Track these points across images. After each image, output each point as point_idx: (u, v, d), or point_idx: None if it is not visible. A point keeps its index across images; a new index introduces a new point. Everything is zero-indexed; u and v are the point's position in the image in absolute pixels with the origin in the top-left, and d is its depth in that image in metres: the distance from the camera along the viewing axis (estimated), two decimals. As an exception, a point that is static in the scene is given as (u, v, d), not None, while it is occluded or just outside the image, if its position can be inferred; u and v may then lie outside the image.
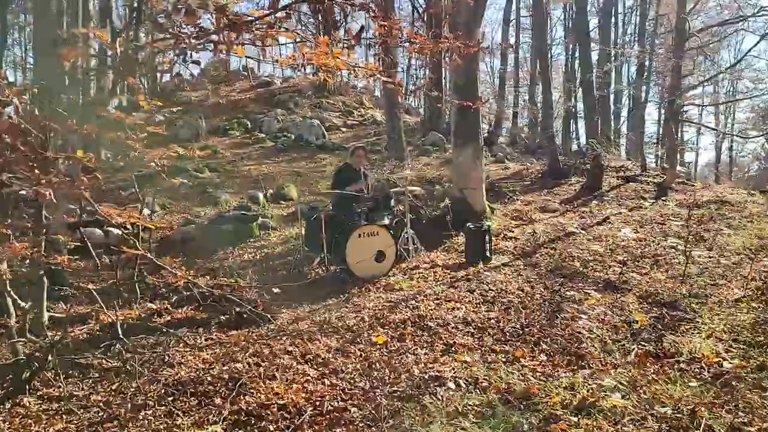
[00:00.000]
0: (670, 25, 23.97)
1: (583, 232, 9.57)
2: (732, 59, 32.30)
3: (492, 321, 5.93)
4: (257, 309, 6.20)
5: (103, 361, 5.22)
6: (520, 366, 4.97)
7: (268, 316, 6.20)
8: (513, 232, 10.03)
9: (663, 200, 12.38)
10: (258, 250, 9.84)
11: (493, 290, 6.92)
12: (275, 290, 6.92)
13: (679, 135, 24.97)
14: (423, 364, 4.97)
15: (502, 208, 11.68)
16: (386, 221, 8.20)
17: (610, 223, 10.53)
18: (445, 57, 5.32)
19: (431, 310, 6.23)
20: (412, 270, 7.97)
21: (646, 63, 27.26)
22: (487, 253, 8.36)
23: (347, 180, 8.40)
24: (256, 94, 27.62)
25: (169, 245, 10.05)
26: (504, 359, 5.11)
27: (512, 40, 28.29)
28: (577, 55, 26.04)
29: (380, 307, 6.38)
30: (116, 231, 9.75)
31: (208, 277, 7.91)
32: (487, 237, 8.37)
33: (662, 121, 24.05)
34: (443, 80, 24.82)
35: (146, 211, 10.99)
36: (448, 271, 7.81)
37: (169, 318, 6.58)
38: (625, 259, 8.07)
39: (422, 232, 10.07)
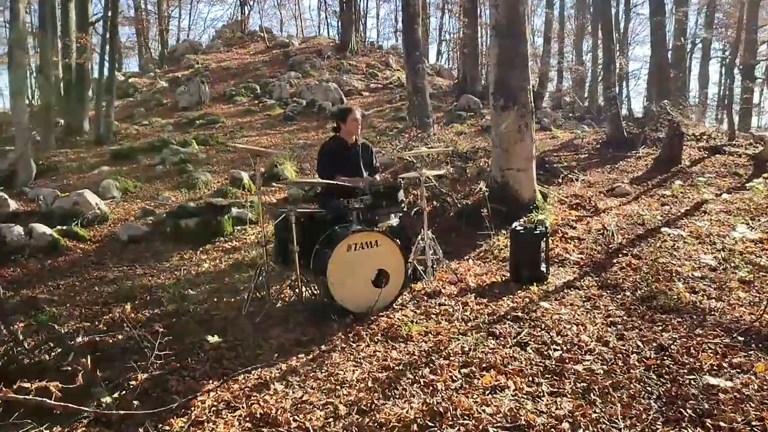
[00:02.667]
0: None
1: (675, 231, 6.74)
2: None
3: (565, 427, 3.27)
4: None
5: None
6: None
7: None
8: (575, 228, 7.28)
9: (766, 178, 9.42)
10: (225, 254, 7.31)
11: (558, 344, 4.23)
12: (210, 338, 4.39)
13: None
14: None
15: (556, 191, 8.88)
16: (393, 222, 5.55)
17: (705, 212, 7.69)
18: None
19: (456, 392, 3.59)
20: (429, 298, 5.31)
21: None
22: (543, 268, 5.67)
23: (338, 161, 5.78)
24: (271, 57, 25.01)
25: (113, 247, 7.59)
26: None
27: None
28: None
29: (370, 383, 3.77)
30: (44, 229, 7.29)
31: (128, 306, 5.40)
32: (542, 244, 5.67)
33: (725, 80, 20.71)
34: (479, 34, 21.78)
35: (93, 199, 8.52)
36: (485, 302, 5.13)
37: None
38: (763, 280, 5.29)
39: (448, 228, 7.41)
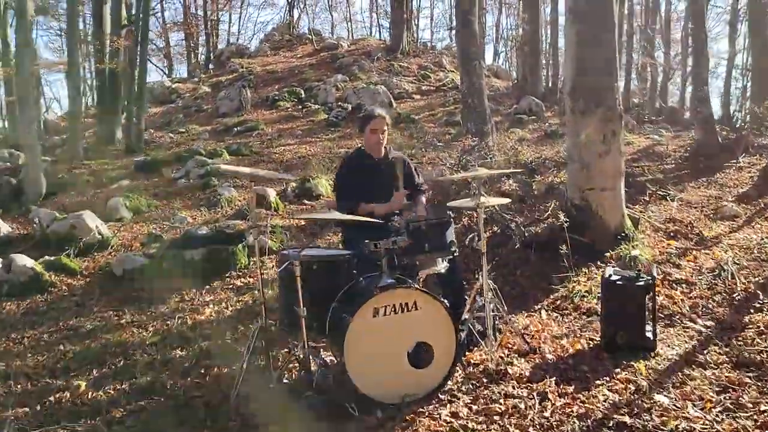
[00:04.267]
0: None
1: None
2: None
3: None
4: None
5: None
6: None
7: None
8: (680, 267, 5.60)
9: None
10: (235, 295, 5.95)
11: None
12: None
13: None
14: None
15: (646, 214, 7.18)
16: (439, 267, 4.02)
17: None
18: None
19: None
20: (491, 382, 3.75)
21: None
22: (649, 333, 4.07)
23: (360, 182, 4.36)
24: (318, 59, 23.80)
25: (105, 284, 6.35)
26: None
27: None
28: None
29: None
30: (25, 261, 6.09)
31: (83, 384, 4.07)
32: (647, 300, 4.07)
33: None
34: (541, 30, 20.05)
35: (92, 222, 7.32)
36: (571, 391, 3.55)
37: None
38: None
39: (512, 263, 5.88)
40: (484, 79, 11.80)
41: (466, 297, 4.45)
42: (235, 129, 15.61)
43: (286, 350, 4.33)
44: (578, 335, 4.48)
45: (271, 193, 8.46)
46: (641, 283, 4.07)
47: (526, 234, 6.17)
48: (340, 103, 17.70)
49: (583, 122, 5.81)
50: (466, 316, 4.27)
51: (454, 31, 18.54)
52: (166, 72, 34.62)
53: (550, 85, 20.30)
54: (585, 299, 5.09)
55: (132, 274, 6.32)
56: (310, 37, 27.77)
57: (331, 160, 11.07)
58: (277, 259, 5.49)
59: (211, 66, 27.83)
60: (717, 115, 14.33)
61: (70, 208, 8.90)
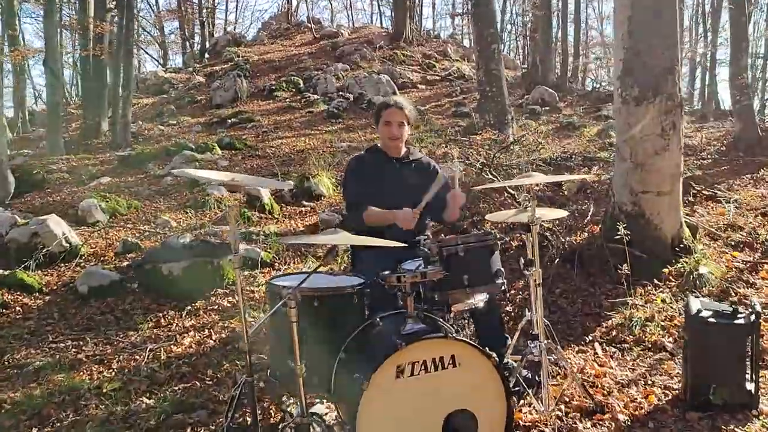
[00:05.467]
0: None
1: None
2: None
3: None
4: None
5: None
6: None
7: None
8: (756, 286, 4.65)
9: None
10: (221, 318, 4.99)
11: None
12: None
13: None
14: None
15: (699, 218, 6.21)
16: (477, 301, 3.04)
17: None
18: None
19: None
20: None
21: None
22: (749, 386, 3.12)
23: (370, 185, 3.43)
24: (317, 48, 22.79)
25: (66, 305, 5.39)
26: None
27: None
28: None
29: None
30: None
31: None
32: (749, 344, 3.12)
33: None
34: (552, 16, 19.07)
35: (59, 228, 6.37)
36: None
37: None
38: None
39: (552, 280, 4.95)
40: (503, 65, 10.79)
41: (507, 335, 3.50)
42: (229, 121, 14.61)
43: (279, 410, 3.38)
44: (649, 381, 3.54)
45: (265, 194, 7.48)
46: (742, 322, 3.12)
47: (567, 245, 5.21)
48: (341, 93, 16.72)
49: (637, 113, 4.84)
50: (509, 360, 3.34)
51: (460, 17, 17.56)
52: (161, 62, 33.63)
53: (559, 74, 19.34)
54: (647, 329, 4.14)
55: (99, 293, 5.35)
56: (309, 25, 26.71)
57: (332, 154, 10.08)
58: (265, 290, 4.54)
59: (206, 55, 26.77)
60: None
61: (40, 209, 7.94)
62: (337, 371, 2.79)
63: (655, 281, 4.76)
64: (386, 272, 2.77)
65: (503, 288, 2.93)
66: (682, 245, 5.01)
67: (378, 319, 2.88)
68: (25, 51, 16.18)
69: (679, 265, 4.82)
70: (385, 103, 3.59)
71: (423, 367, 2.59)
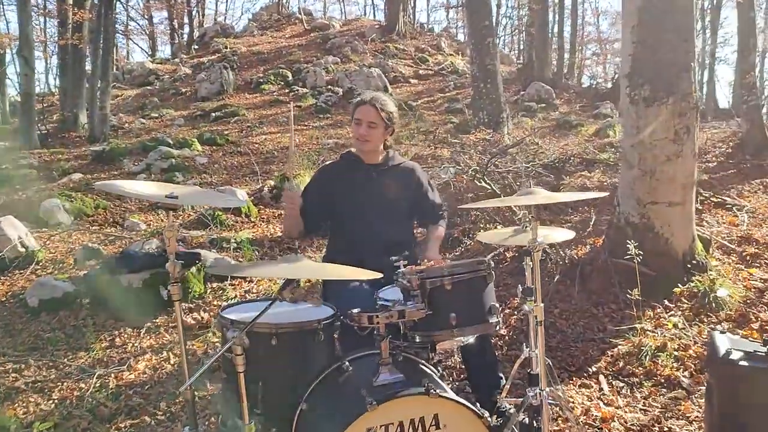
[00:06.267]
0: None
1: None
2: None
3: None
4: None
5: None
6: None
7: None
8: (776, 310, 4.19)
9: None
10: (184, 335, 4.48)
11: None
12: None
13: None
14: None
15: (706, 226, 5.74)
16: (466, 339, 2.54)
17: None
18: None
19: None
20: None
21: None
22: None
23: (337, 198, 3.06)
24: (308, 40, 22.24)
25: (13, 320, 4.87)
26: None
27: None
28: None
29: None
30: None
31: None
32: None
33: None
34: (549, 10, 18.58)
35: (14, 232, 5.84)
36: None
37: None
38: None
39: (548, 301, 4.47)
40: (498, 60, 10.27)
41: (501, 375, 3.02)
42: (213, 114, 14.07)
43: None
44: (665, 428, 3.06)
45: (241, 195, 6.95)
46: (778, 366, 2.64)
47: (567, 259, 4.73)
48: (330, 87, 16.22)
49: (647, 114, 4.35)
50: (504, 403, 2.86)
51: (455, 11, 17.03)
52: (150, 53, 32.98)
53: (555, 70, 18.89)
54: (659, 360, 3.66)
55: (51, 306, 4.84)
56: (300, 16, 26.13)
57: (317, 152, 9.57)
58: (215, 322, 4.05)
59: (194, 46, 26.15)
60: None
61: (9, 208, 7.41)
62: (297, 425, 2.31)
63: (666, 302, 4.29)
64: (356, 310, 2.27)
65: (498, 327, 2.44)
66: (694, 261, 4.53)
67: (347, 362, 2.40)
68: (2, 38, 15.52)
69: (693, 285, 4.34)
70: (360, 100, 3.10)
71: (400, 430, 2.11)
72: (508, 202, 2.67)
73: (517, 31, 25.17)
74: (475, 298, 2.38)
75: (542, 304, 2.52)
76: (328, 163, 3.26)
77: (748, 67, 9.05)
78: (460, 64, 19.41)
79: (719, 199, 6.62)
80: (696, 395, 3.34)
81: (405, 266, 2.49)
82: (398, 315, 2.24)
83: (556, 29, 20.85)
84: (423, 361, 2.53)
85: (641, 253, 4.25)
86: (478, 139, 8.02)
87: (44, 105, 14.72)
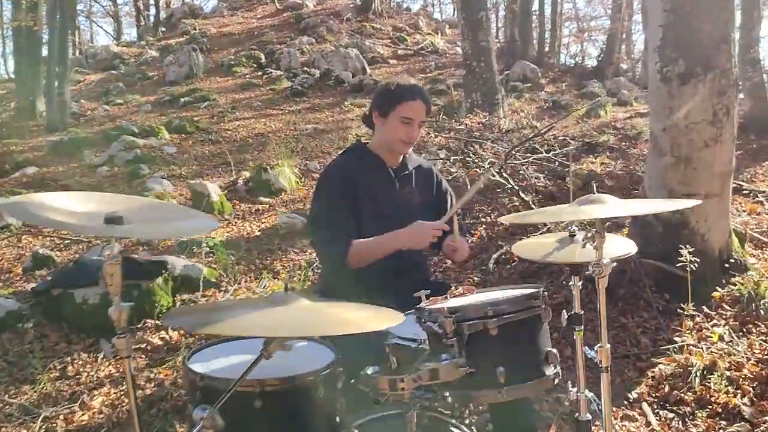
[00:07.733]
0: None
1: None
2: None
3: None
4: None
5: None
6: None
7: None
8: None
9: None
10: (151, 361, 3.84)
11: None
12: None
13: None
14: None
15: (730, 217, 5.22)
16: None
17: None
18: None
19: None
20: None
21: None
22: None
23: (361, 208, 2.37)
24: (280, 20, 21.39)
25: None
26: None
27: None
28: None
29: None
30: None
31: None
32: None
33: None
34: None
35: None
36: None
37: None
38: None
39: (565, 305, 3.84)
40: (492, 36, 9.61)
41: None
42: (183, 100, 13.24)
43: None
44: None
45: (213, 189, 6.26)
46: None
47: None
48: (305, 69, 15.45)
49: (682, 94, 3.77)
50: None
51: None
52: (115, 36, 31.77)
53: (538, 48, 18.31)
54: (710, 383, 3.11)
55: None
56: (271, -4, 25.17)
57: (295, 139, 8.88)
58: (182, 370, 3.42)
59: (162, 28, 25.09)
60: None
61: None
62: None
63: (705, 309, 3.74)
64: (369, 370, 1.66)
65: (557, 381, 1.84)
66: (732, 260, 4.00)
67: (355, 431, 1.81)
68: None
69: (734, 288, 3.81)
70: (408, 91, 2.36)
71: None
72: (569, 215, 2.04)
73: (496, 7, 24.44)
74: (529, 345, 1.78)
75: (608, 346, 1.94)
76: (338, 161, 2.54)
77: (751, 41, 8.55)
78: (440, 43, 18.75)
79: (735, 184, 6.10)
80: (761, 428, 2.81)
81: (427, 298, 1.89)
82: (430, 376, 1.63)
83: (537, 5, 20.23)
84: (455, 422, 1.93)
85: (673, 252, 3.71)
86: (474, 123, 7.41)
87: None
